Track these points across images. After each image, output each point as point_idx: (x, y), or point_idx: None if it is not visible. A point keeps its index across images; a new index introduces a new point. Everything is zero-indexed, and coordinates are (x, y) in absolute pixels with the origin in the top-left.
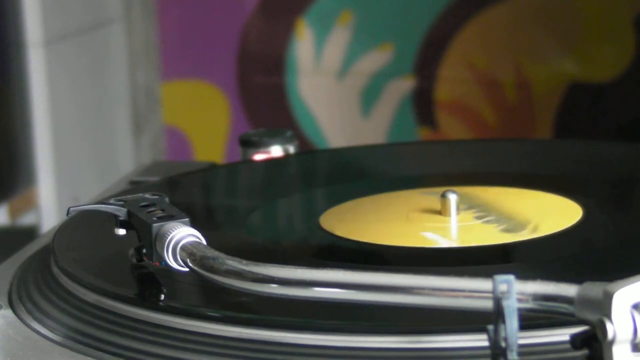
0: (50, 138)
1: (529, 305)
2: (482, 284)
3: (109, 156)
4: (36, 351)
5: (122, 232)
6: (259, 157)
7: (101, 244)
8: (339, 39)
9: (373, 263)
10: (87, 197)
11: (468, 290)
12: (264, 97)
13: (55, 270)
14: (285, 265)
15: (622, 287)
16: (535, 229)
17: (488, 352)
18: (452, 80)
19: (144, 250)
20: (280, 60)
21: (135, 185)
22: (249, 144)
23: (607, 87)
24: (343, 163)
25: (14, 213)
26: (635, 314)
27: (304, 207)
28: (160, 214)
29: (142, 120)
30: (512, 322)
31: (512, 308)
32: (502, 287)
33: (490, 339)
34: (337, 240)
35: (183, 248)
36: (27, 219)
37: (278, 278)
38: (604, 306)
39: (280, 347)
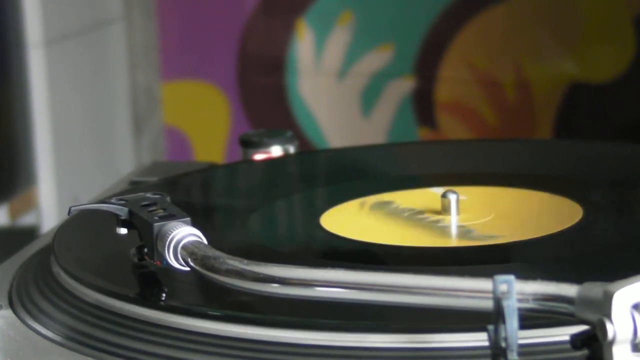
0: (50, 138)
1: (529, 305)
2: (482, 284)
3: (109, 156)
4: (36, 351)
5: (123, 231)
6: (259, 157)
7: (101, 243)
8: (339, 39)
9: (373, 263)
10: (87, 197)
11: (468, 290)
12: (264, 97)
13: (56, 270)
14: (286, 265)
15: (622, 287)
16: (535, 229)
17: (488, 352)
18: (452, 80)
19: (145, 250)
20: (281, 60)
21: (135, 186)
22: (249, 144)
23: (607, 87)
24: (343, 163)
25: (14, 213)
26: (635, 314)
27: (304, 207)
28: (161, 213)
29: (142, 120)
30: (512, 322)
31: (512, 308)
32: (503, 287)
33: (490, 339)
34: (338, 240)
35: (184, 247)
36: (27, 219)
37: (279, 277)
38: (604, 306)
39: (280, 347)
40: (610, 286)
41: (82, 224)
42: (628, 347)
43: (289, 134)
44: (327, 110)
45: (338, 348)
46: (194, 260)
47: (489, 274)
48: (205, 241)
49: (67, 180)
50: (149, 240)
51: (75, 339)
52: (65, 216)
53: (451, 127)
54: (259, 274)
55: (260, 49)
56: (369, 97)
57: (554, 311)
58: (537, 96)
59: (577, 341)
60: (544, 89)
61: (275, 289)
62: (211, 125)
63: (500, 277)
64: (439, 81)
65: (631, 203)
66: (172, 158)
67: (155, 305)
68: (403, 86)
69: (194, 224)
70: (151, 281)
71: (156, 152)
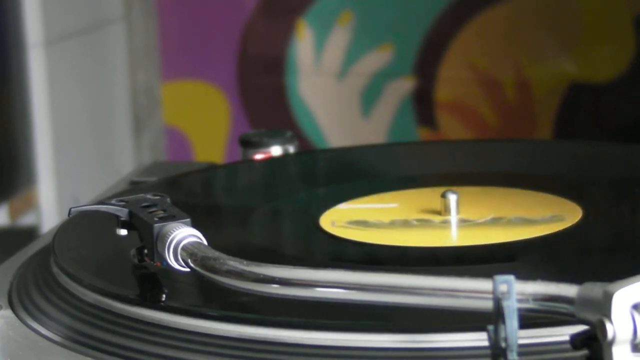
0: (50, 138)
1: (529, 305)
2: (482, 284)
3: (109, 156)
4: (36, 351)
5: (123, 232)
6: (259, 157)
7: (101, 244)
8: (339, 39)
9: (373, 263)
10: (87, 198)
11: (468, 290)
12: (264, 97)
13: (56, 270)
14: (285, 266)
15: (622, 287)
16: (535, 229)
17: (488, 352)
18: (452, 80)
19: (146, 251)
20: (281, 60)
21: (135, 186)
22: (249, 144)
23: (607, 87)
24: (343, 163)
25: (14, 213)
26: (635, 314)
27: (304, 207)
28: (161, 214)
29: (142, 120)
30: (512, 322)
31: (512, 308)
32: (502, 287)
33: (490, 339)
34: (337, 240)
35: (184, 248)
36: (27, 219)
37: (279, 278)
38: (604, 306)
39: (280, 347)
40: (610, 286)
41: (82, 225)
42: (628, 347)
43: (289, 134)
44: (327, 110)
45: (338, 348)
46: (194, 261)
47: (489, 274)
48: (205, 242)
49: (67, 180)
50: (149, 241)
51: (75, 339)
52: (65, 216)
53: (451, 127)
54: (259, 274)
55: (260, 49)
56: (369, 97)
57: (554, 311)
58: (537, 96)
59: (577, 341)
60: (544, 89)
61: (275, 289)
62: (211, 125)
63: (500, 277)
64: (439, 81)
65: (631, 203)
66: (172, 158)
67: (155, 306)
68: (403, 86)
69: (194, 225)
70: (151, 282)
71: (156, 152)
